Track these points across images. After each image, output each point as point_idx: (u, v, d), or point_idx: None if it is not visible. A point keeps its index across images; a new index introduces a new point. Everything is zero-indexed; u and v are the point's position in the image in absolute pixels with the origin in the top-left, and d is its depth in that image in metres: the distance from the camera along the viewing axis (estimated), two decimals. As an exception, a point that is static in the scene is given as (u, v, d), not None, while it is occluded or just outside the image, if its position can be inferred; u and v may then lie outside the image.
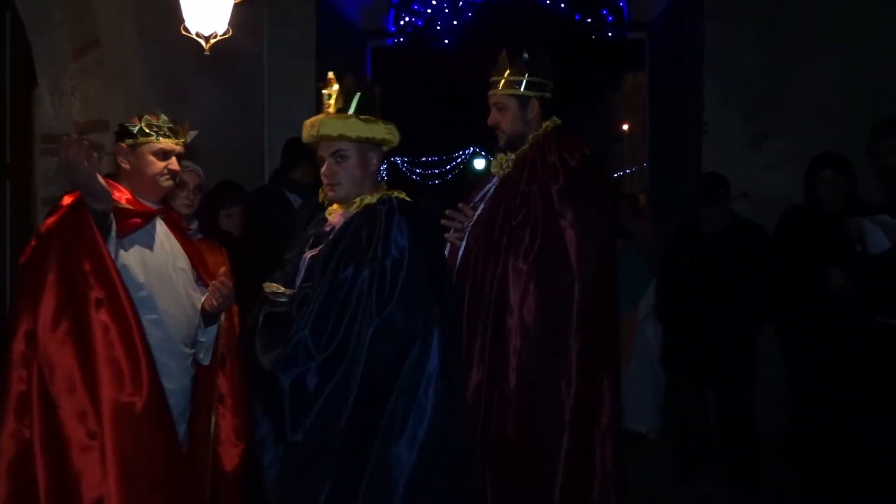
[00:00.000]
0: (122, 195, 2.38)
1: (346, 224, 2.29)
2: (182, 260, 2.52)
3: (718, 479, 4.41)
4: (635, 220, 5.82)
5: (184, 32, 2.71)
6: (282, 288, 2.23)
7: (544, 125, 2.86)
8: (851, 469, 3.89)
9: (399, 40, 6.72)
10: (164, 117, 2.44)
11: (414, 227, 2.22)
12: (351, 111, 2.28)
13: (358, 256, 2.19)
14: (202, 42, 2.72)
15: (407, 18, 6.80)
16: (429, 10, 6.67)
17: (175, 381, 2.44)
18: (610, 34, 6.42)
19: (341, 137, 2.26)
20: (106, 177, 2.41)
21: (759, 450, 4.48)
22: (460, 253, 2.67)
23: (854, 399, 3.86)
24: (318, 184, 2.55)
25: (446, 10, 6.67)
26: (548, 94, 2.84)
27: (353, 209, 2.31)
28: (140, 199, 2.42)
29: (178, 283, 2.48)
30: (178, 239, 2.55)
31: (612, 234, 2.89)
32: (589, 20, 6.37)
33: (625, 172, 10.90)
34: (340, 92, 2.28)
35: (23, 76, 3.36)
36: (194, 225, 3.02)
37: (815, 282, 4.01)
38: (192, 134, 2.47)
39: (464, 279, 2.57)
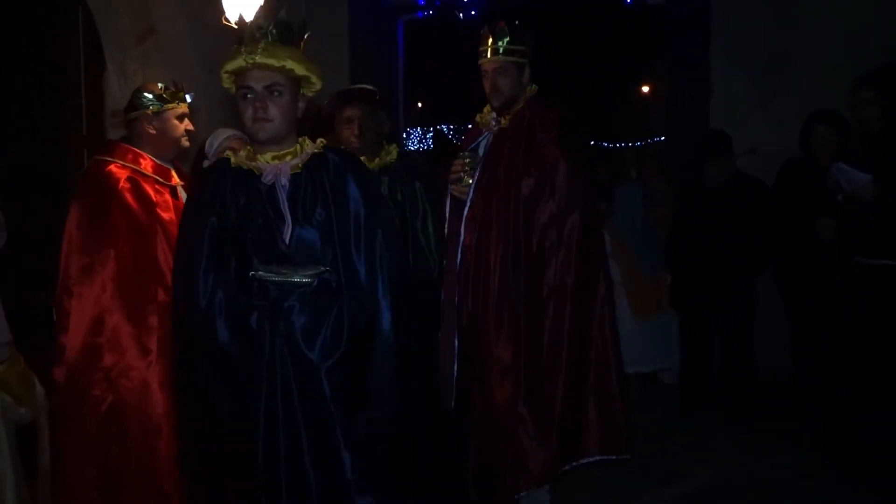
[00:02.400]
0: (147, 162, 2.61)
1: (307, 176, 2.07)
2: None
3: (718, 417, 4.58)
4: (659, 179, 5.96)
5: (224, 22, 3.22)
6: (284, 270, 2.00)
7: (529, 89, 3.06)
8: (843, 407, 3.95)
9: (429, 13, 7.12)
10: (172, 86, 2.64)
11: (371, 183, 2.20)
12: (291, 45, 2.06)
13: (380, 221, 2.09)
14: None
15: (435, -10, 7.14)
16: None
17: None
18: (629, 1, 6.75)
19: (283, 70, 2.02)
20: (121, 140, 2.70)
21: (759, 392, 4.69)
22: (467, 204, 2.86)
23: (841, 340, 3.96)
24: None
25: None
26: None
27: (294, 158, 2.08)
28: (159, 161, 2.63)
29: None
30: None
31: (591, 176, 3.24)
32: None
33: (652, 141, 11.04)
34: (279, 22, 2.04)
35: (94, 61, 3.84)
36: None
37: (808, 230, 4.17)
38: (191, 95, 2.72)
39: (472, 229, 2.84)
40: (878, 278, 3.75)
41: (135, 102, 2.67)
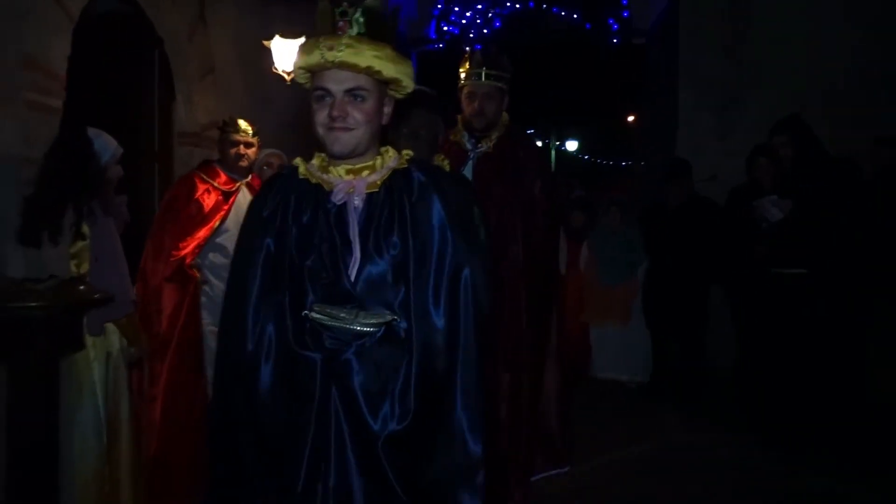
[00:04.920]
0: (221, 177, 3.60)
1: (385, 197, 1.71)
2: None
3: (672, 405, 5.23)
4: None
5: (273, 70, 4.10)
6: (342, 314, 1.65)
7: (504, 114, 3.14)
8: (771, 389, 4.52)
9: (439, 46, 7.98)
10: (240, 122, 3.57)
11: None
12: (380, 40, 1.66)
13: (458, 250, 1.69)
14: (285, 76, 4.14)
15: (446, 28, 7.94)
16: (464, 21, 7.78)
17: None
18: (615, 40, 7.59)
19: (369, 71, 1.64)
20: (207, 163, 3.70)
21: (707, 382, 5.35)
22: None
23: (768, 337, 4.55)
24: None
25: (479, 21, 7.80)
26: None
27: (371, 174, 1.72)
28: (230, 175, 3.65)
29: None
30: None
31: None
32: (591, 26, 7.41)
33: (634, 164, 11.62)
34: (368, 9, 1.65)
35: (166, 92, 4.47)
36: None
37: (746, 247, 4.67)
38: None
39: None
40: (789, 284, 4.41)
41: (220, 129, 3.69)
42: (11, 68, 2.72)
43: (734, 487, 3.84)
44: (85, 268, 2.74)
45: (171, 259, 3.47)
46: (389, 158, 1.76)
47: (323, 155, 1.77)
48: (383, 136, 1.82)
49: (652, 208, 5.90)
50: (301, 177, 1.76)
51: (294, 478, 1.61)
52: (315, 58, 1.65)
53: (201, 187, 3.62)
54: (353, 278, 1.66)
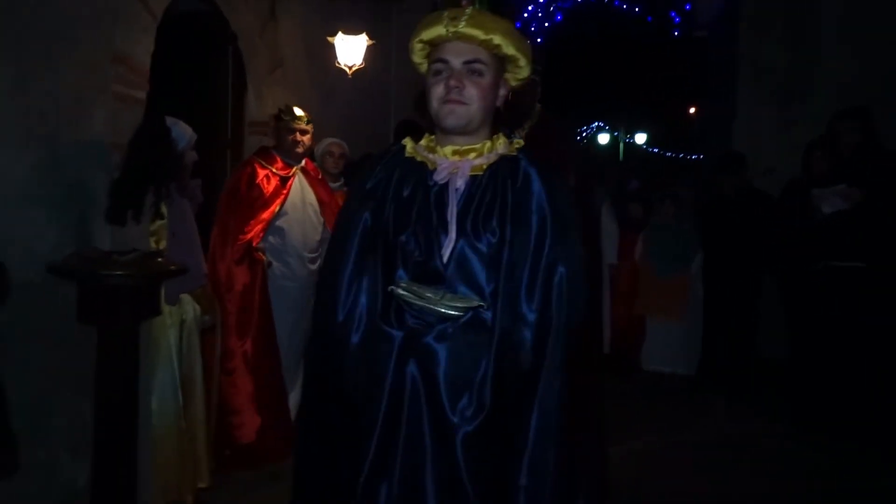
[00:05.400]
0: (278, 163, 3.81)
1: (488, 182, 1.67)
2: (311, 196, 3.98)
3: (719, 396, 5.28)
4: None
5: (336, 65, 4.35)
6: (429, 293, 1.59)
7: (537, 104, 3.10)
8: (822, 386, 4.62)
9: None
10: (295, 109, 3.75)
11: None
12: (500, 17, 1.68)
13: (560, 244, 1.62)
14: (347, 70, 4.39)
15: (507, 21, 8.05)
16: (525, 14, 7.98)
17: (293, 279, 3.90)
18: (676, 33, 7.58)
19: (488, 45, 1.64)
20: (265, 149, 3.88)
21: (759, 378, 5.36)
22: None
23: (819, 330, 4.63)
24: None
25: (540, 14, 7.89)
26: None
27: (478, 157, 1.69)
28: (286, 161, 3.88)
29: (302, 210, 3.92)
30: (310, 185, 3.99)
31: None
32: (653, 19, 7.41)
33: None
34: None
35: (239, 85, 4.72)
36: (340, 181, 4.42)
37: (800, 241, 4.74)
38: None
39: None
40: (844, 277, 4.43)
41: (276, 118, 3.87)
42: (103, 64, 3.02)
43: (778, 478, 3.89)
44: (163, 244, 3.05)
45: (239, 242, 3.73)
46: (499, 145, 1.73)
47: (432, 136, 1.77)
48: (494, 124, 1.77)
49: (707, 201, 5.93)
50: (407, 155, 1.75)
51: (363, 456, 1.56)
52: (437, 30, 1.66)
53: (261, 173, 3.86)
54: (444, 259, 1.62)
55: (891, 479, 3.85)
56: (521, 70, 1.74)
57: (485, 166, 1.68)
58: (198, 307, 3.23)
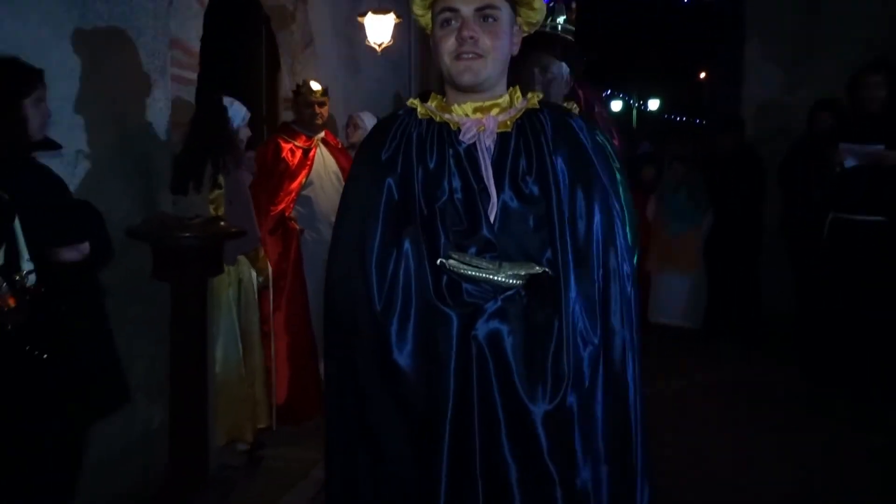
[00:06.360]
0: (299, 136, 4.06)
1: (517, 139, 1.54)
2: (333, 165, 4.26)
3: (726, 346, 5.63)
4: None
5: (366, 43, 4.63)
6: (484, 263, 1.44)
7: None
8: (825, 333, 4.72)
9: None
10: (312, 84, 3.97)
11: None
12: None
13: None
14: (376, 48, 4.68)
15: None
16: None
17: (323, 243, 4.04)
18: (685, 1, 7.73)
19: None
20: (286, 125, 4.13)
21: (767, 328, 5.63)
22: None
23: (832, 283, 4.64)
24: None
25: None
26: None
27: (502, 113, 1.56)
28: (306, 133, 4.15)
29: (327, 179, 4.21)
30: (332, 154, 4.27)
31: None
32: None
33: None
34: None
35: (272, 63, 5.00)
36: None
37: (805, 194, 4.91)
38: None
39: None
40: (864, 231, 4.44)
41: (295, 93, 4.14)
42: (162, 50, 3.36)
43: (789, 415, 4.18)
44: (221, 211, 3.40)
45: (271, 214, 4.03)
46: (518, 99, 1.60)
47: (440, 96, 1.63)
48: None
49: (705, 159, 6.20)
50: (420, 117, 1.60)
51: (437, 458, 1.40)
52: None
53: (285, 147, 4.16)
54: (492, 224, 1.48)
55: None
56: (535, 13, 1.59)
57: (510, 122, 1.56)
58: (253, 270, 3.58)
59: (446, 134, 1.56)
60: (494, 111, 1.56)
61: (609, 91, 20.49)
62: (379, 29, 4.66)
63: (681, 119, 20.04)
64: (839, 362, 4.58)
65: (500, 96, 1.59)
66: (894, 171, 4.33)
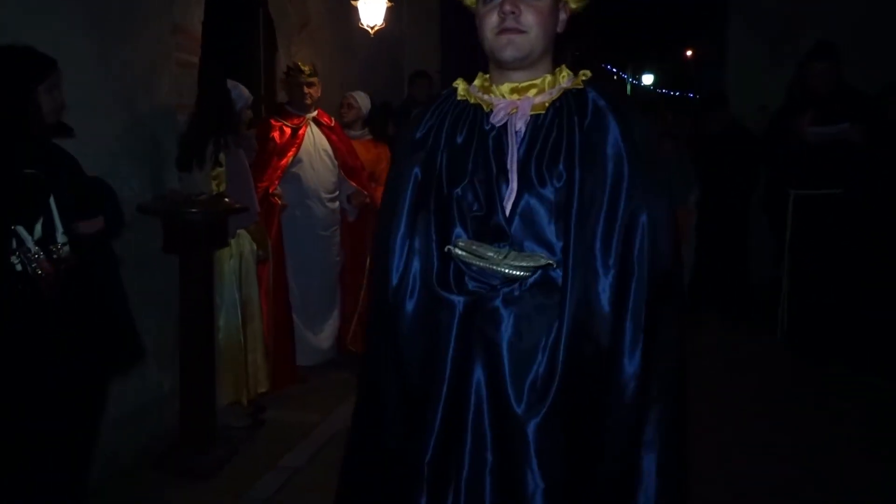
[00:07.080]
0: (291, 115, 4.23)
1: (552, 120, 1.48)
2: (324, 143, 4.41)
3: (712, 311, 5.78)
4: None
5: (359, 25, 4.82)
6: (491, 253, 1.42)
7: None
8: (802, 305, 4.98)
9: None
10: (300, 64, 4.14)
11: None
12: None
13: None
14: (369, 30, 4.87)
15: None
16: None
17: (314, 218, 4.35)
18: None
19: None
20: (280, 104, 4.30)
21: (750, 298, 5.75)
22: None
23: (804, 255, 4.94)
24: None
25: None
26: None
27: (540, 95, 1.51)
28: (297, 113, 4.31)
29: (317, 156, 4.36)
30: (324, 133, 4.41)
31: None
32: None
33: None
34: None
35: (270, 44, 5.12)
36: (362, 129, 4.87)
37: (784, 170, 5.05)
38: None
39: None
40: (816, 204, 4.76)
41: (287, 73, 4.32)
42: (166, 35, 3.56)
43: (769, 381, 4.39)
44: (223, 187, 3.61)
45: (257, 191, 4.14)
46: (563, 78, 1.53)
47: (485, 75, 1.60)
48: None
49: (693, 137, 6.38)
50: (460, 97, 1.58)
51: (426, 437, 1.41)
52: None
53: (276, 126, 4.34)
54: (507, 212, 1.44)
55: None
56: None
57: (546, 103, 1.50)
58: (253, 243, 3.81)
59: (479, 115, 1.54)
60: (532, 92, 1.52)
61: (607, 66, 20.57)
62: (372, 11, 4.85)
63: (675, 93, 20.18)
64: (820, 334, 4.80)
65: (542, 77, 1.53)
66: (854, 148, 4.58)
